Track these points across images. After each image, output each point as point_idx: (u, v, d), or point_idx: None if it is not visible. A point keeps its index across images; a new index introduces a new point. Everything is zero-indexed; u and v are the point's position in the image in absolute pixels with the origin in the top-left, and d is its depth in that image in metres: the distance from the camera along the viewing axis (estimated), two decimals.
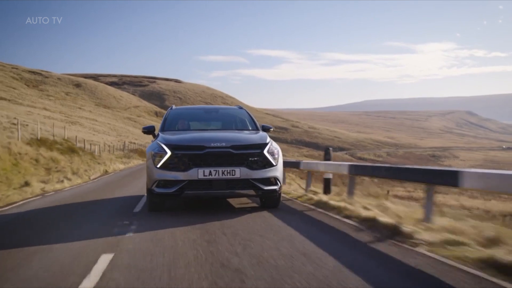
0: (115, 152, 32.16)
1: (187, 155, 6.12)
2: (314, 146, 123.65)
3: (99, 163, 19.48)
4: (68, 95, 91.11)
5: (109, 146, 33.46)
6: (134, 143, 45.59)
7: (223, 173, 6.08)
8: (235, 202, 7.45)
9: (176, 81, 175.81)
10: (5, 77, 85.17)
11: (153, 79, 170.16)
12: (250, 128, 7.76)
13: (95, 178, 14.09)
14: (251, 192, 6.32)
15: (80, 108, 76.34)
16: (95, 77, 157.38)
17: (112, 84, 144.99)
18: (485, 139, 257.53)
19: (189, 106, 10.03)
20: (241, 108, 8.71)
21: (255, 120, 8.01)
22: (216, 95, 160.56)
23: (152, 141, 6.98)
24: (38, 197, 8.60)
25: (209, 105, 10.76)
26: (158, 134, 7.09)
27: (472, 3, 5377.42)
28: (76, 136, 25.41)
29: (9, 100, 60.74)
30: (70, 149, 19.34)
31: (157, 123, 75.92)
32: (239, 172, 6.11)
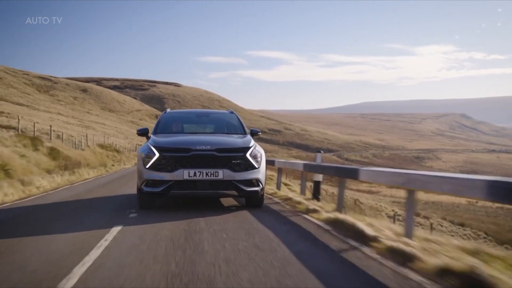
0: (130, 152, 40.34)
1: (174, 157, 6.50)
2: (304, 148, 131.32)
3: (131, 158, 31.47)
4: (76, 100, 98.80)
5: (123, 147, 41.43)
6: (141, 145, 53.36)
7: (207, 174, 6.41)
8: (225, 201, 7.90)
9: (176, 85, 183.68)
10: (18, 83, 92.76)
11: (154, 83, 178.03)
12: (238, 132, 8.12)
13: (134, 165, 24.58)
14: (234, 192, 6.68)
15: (88, 112, 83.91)
16: (98, 81, 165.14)
17: (114, 88, 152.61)
18: (475, 142, 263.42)
19: (182, 110, 10.67)
20: (232, 112, 9.13)
21: (243, 124, 8.41)
22: (213, 98, 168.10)
23: (144, 143, 7.35)
24: (125, 168, 20.52)
25: (202, 109, 12.19)
26: (150, 136, 7.47)
27: (471, 6, 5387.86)
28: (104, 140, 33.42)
29: (27, 106, 68.20)
30: (115, 149, 30.92)
31: None
32: (222, 174, 6.45)
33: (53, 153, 14.72)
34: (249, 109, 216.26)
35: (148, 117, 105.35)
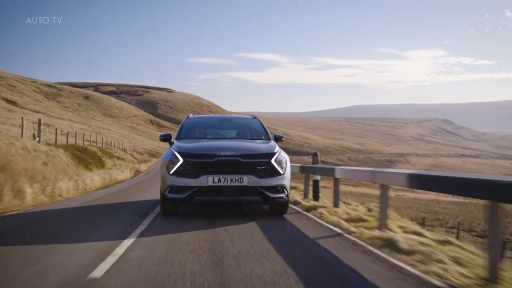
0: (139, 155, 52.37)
1: (198, 163, 6.49)
2: (285, 151, 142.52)
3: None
4: (81, 106, 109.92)
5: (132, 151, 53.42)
6: (144, 148, 64.99)
7: (231, 180, 6.38)
8: (248, 208, 8.05)
9: (168, 90, 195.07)
10: (29, 91, 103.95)
11: (147, 88, 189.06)
12: (262, 138, 8.13)
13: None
14: (259, 199, 6.63)
15: (93, 118, 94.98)
16: (96, 86, 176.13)
17: (111, 93, 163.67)
18: (452, 147, 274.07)
19: (205, 115, 10.63)
20: (254, 118, 9.07)
21: (267, 129, 8.41)
22: (202, 104, 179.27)
23: (168, 149, 7.29)
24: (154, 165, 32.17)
25: (224, 115, 12.12)
26: (173, 142, 7.45)
27: (460, 11, 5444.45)
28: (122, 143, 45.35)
29: (43, 113, 79.60)
30: (140, 152, 42.95)
31: (152, 131, 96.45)
32: (247, 180, 6.43)
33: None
34: (236, 112, 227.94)
35: (144, 122, 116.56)
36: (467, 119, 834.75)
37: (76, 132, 31.11)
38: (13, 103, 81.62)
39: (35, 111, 79.33)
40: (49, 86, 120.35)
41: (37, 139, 17.03)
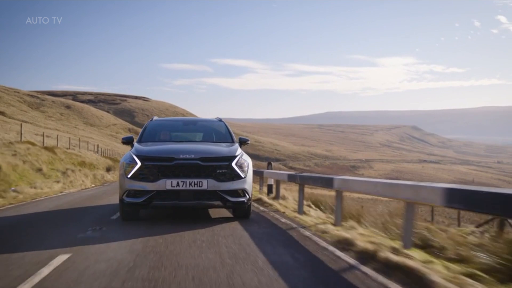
0: None
1: (156, 166, 6.44)
2: (256, 157, 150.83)
3: None
4: (63, 116, 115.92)
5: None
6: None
7: (190, 184, 6.32)
8: (213, 212, 8.04)
9: (144, 99, 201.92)
10: (14, 101, 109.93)
11: (125, 97, 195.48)
12: (226, 140, 8.06)
13: None
14: (219, 203, 6.60)
15: (75, 127, 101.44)
16: (74, 95, 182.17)
17: (89, 102, 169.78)
18: (417, 153, 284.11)
19: (169, 117, 10.49)
20: (220, 120, 9.04)
21: (231, 132, 8.37)
22: (178, 112, 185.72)
23: (127, 152, 7.18)
24: None
25: (189, 117, 11.49)
26: (133, 145, 7.40)
27: (430, 20, 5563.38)
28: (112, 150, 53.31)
29: (31, 123, 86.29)
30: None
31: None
32: (206, 184, 6.37)
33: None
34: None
35: (123, 130, 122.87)
36: (437, 126, 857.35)
37: (88, 143, 38.94)
38: (2, 113, 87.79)
39: (23, 121, 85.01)
40: (31, 96, 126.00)
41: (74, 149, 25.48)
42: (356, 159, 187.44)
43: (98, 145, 50.87)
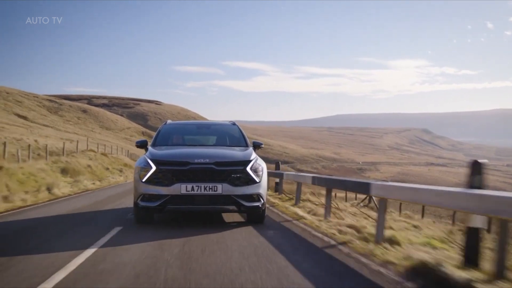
0: None
1: (171, 171, 6.50)
2: (265, 160, 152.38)
3: None
4: (80, 120, 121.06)
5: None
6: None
7: (205, 188, 6.36)
8: (226, 216, 8.00)
9: (157, 103, 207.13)
10: (34, 106, 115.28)
11: (138, 101, 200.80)
12: (240, 144, 8.10)
13: None
14: (233, 208, 6.62)
15: (92, 131, 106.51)
16: (89, 99, 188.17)
17: (103, 106, 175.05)
18: (426, 156, 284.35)
19: (183, 121, 10.47)
20: (234, 124, 9.04)
21: (245, 136, 8.41)
22: (189, 115, 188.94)
23: (142, 156, 7.29)
24: None
25: (202, 121, 11.36)
26: (148, 149, 7.46)
27: (442, 22, 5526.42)
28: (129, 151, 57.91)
29: (52, 127, 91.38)
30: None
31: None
32: (221, 188, 6.42)
33: None
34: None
35: (136, 134, 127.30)
36: (448, 129, 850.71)
37: (105, 146, 43.32)
38: (24, 118, 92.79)
39: (44, 125, 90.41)
40: (50, 100, 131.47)
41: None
42: (364, 161, 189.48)
43: (128, 150, 55.96)
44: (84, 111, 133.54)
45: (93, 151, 32.38)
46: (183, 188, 6.40)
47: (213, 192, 6.43)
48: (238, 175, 6.65)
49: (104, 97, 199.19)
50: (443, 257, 4.59)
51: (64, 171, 19.42)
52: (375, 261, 4.81)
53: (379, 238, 5.63)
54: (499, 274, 3.81)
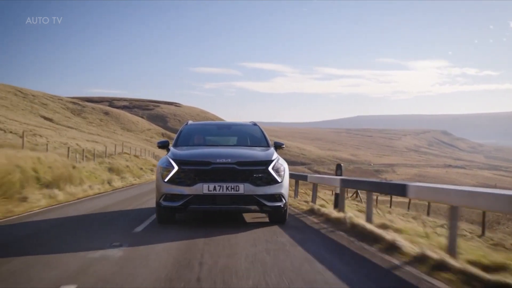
0: None
1: (193, 170, 6.55)
2: None
3: None
4: (102, 121, 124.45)
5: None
6: None
7: (227, 188, 6.41)
8: (248, 216, 8.11)
9: (176, 105, 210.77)
10: (58, 108, 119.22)
11: (157, 103, 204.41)
12: (261, 145, 8.15)
13: None
14: (255, 208, 6.64)
15: (114, 133, 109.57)
16: (110, 101, 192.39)
17: (124, 107, 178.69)
18: (444, 158, 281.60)
19: (203, 122, 10.44)
20: (254, 124, 9.09)
21: (266, 136, 8.45)
22: (208, 117, 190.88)
23: (164, 156, 7.37)
24: None
25: (223, 121, 10.97)
26: (169, 149, 7.59)
27: (463, 22, 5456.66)
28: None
29: (76, 129, 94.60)
30: None
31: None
32: (243, 188, 6.46)
33: None
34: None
35: (156, 135, 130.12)
36: (468, 130, 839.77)
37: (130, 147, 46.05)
38: (50, 120, 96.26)
39: (68, 127, 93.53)
40: (73, 103, 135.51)
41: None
42: (381, 163, 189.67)
43: (154, 152, 59.40)
44: (106, 113, 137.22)
45: (127, 153, 37.37)
46: (205, 188, 6.45)
47: (235, 192, 6.47)
48: (260, 175, 6.69)
49: (125, 99, 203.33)
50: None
51: (110, 170, 23.61)
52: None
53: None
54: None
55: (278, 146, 7.98)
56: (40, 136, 31.78)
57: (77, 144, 38.30)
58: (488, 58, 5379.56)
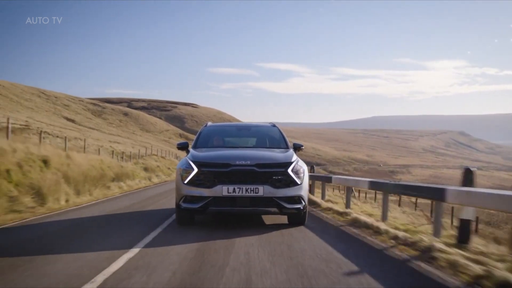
0: None
1: (213, 172, 6.53)
2: None
3: None
4: (122, 122, 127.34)
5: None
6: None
7: (246, 190, 6.38)
8: (267, 218, 8.04)
9: (193, 106, 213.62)
10: (80, 110, 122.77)
11: (175, 104, 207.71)
12: (280, 146, 8.08)
13: None
14: (275, 210, 6.61)
15: (133, 133, 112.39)
16: (129, 102, 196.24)
17: (142, 108, 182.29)
18: (461, 159, 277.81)
19: (223, 123, 10.35)
20: (274, 126, 9.05)
21: (286, 138, 8.39)
22: (224, 118, 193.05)
23: (183, 158, 7.41)
24: None
25: (242, 123, 11.00)
26: (189, 151, 7.64)
27: (482, 22, 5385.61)
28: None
29: (97, 130, 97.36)
30: None
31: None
32: (262, 190, 6.41)
33: None
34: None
35: (174, 136, 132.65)
36: (487, 131, 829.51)
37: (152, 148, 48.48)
38: (72, 121, 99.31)
39: (90, 128, 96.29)
40: (94, 104, 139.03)
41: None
42: (396, 164, 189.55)
43: (176, 153, 62.61)
44: (125, 114, 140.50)
45: (155, 155, 41.20)
46: (224, 190, 6.42)
47: (254, 194, 6.42)
48: (279, 177, 6.61)
49: (143, 100, 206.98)
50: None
51: (145, 169, 27.01)
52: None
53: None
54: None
55: (297, 148, 7.92)
56: (80, 139, 34.30)
57: (110, 146, 41.99)
58: (509, 58, 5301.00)
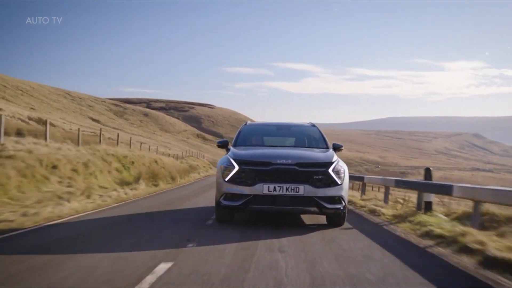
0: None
1: (254, 171, 6.53)
2: None
3: None
4: (142, 123, 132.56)
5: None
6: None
7: (287, 189, 6.36)
8: (306, 218, 8.08)
9: (210, 106, 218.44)
10: (103, 110, 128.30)
11: (192, 104, 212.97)
12: (320, 146, 8.09)
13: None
14: (315, 209, 6.56)
15: (154, 133, 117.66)
16: (148, 102, 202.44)
17: (161, 109, 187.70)
18: (474, 161, 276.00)
19: (262, 122, 10.28)
20: (313, 125, 9.10)
21: (325, 138, 8.39)
22: (240, 119, 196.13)
23: (224, 156, 7.42)
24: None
25: (282, 122, 10.19)
26: (229, 149, 7.60)
27: (501, 23, 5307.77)
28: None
29: (120, 130, 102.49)
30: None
31: (200, 144, 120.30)
32: (303, 189, 6.39)
33: None
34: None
35: (192, 136, 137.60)
36: (504, 133, 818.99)
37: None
38: (97, 121, 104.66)
39: (113, 128, 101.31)
40: (115, 105, 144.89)
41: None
42: (407, 166, 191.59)
43: (204, 155, 70.01)
44: (146, 114, 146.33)
45: (191, 156, 50.01)
46: (265, 188, 6.41)
47: (294, 193, 6.40)
48: (320, 177, 6.57)
49: (162, 101, 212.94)
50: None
51: (190, 167, 33.65)
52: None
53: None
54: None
55: (337, 148, 7.91)
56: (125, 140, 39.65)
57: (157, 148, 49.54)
58: None
